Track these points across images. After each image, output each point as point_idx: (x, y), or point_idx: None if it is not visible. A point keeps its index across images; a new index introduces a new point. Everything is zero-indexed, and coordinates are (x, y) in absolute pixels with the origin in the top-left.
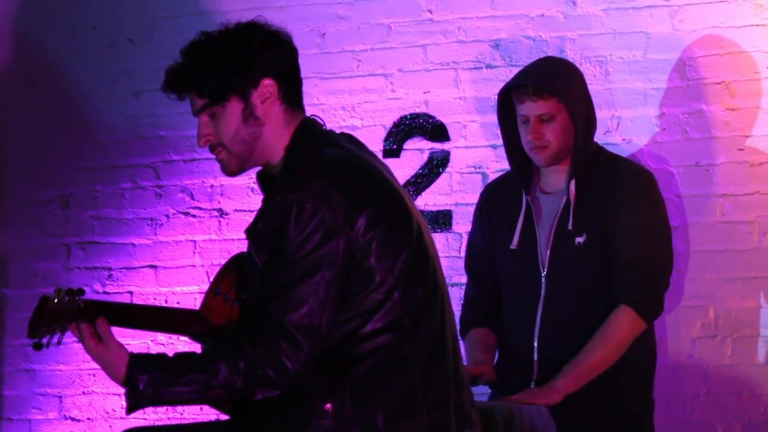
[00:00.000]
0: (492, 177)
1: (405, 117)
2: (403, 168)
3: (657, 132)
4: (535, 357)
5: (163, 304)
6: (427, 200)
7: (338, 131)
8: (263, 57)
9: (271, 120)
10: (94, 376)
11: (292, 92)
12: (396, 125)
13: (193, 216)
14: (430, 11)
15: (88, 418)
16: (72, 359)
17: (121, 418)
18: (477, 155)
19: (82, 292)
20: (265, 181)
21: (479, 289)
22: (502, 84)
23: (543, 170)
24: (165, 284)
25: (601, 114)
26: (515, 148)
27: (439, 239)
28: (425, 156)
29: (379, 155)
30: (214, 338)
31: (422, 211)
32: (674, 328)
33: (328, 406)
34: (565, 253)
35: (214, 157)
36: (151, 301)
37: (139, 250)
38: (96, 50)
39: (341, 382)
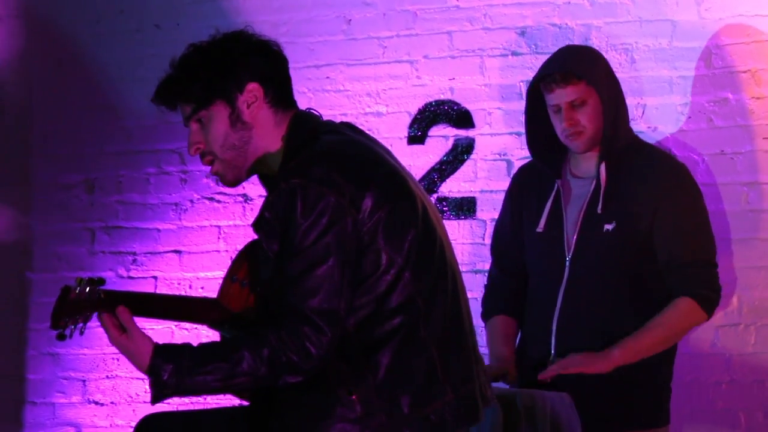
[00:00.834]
0: (516, 164)
1: (430, 104)
2: (427, 155)
3: (682, 120)
4: (553, 340)
5: (183, 293)
6: (452, 187)
7: (363, 118)
8: (247, 62)
9: (260, 123)
10: (117, 360)
11: (279, 95)
12: (421, 112)
13: (218, 201)
14: None
15: (112, 402)
16: (96, 343)
17: (145, 402)
18: (502, 142)
19: (102, 281)
20: (266, 181)
21: (502, 271)
22: (528, 71)
23: (574, 154)
24: (189, 269)
25: (626, 101)
26: (539, 139)
27: (463, 226)
28: (450, 143)
29: (404, 142)
30: (233, 326)
31: (446, 198)
32: None
33: (354, 396)
34: (592, 238)
35: None
36: (175, 286)
37: (164, 235)
38: (122, 35)
39: (363, 370)
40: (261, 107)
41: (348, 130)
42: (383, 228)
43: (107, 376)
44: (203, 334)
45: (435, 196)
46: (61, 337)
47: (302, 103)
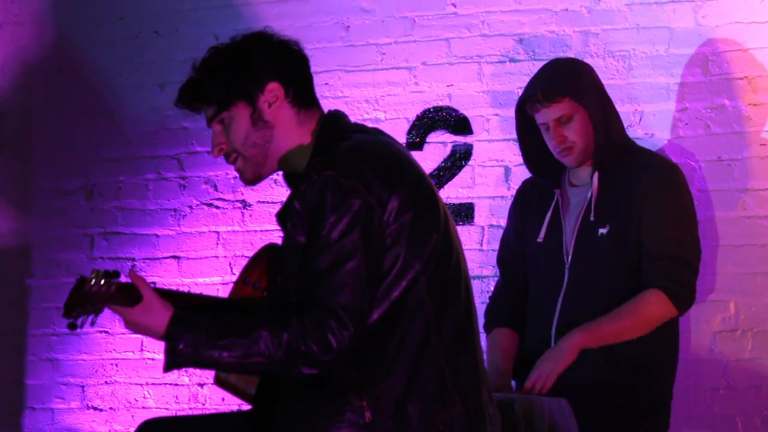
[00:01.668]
0: (515, 170)
1: (428, 110)
2: (425, 161)
3: (679, 127)
4: (553, 344)
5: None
6: (450, 193)
7: (361, 124)
8: (267, 62)
9: (282, 122)
10: (116, 366)
11: (301, 93)
12: (419, 118)
13: (217, 207)
14: (454, 5)
15: (111, 408)
16: (95, 349)
17: (144, 408)
18: (499, 149)
19: (117, 274)
20: (290, 179)
21: (507, 281)
22: (526, 78)
23: None
24: (188, 275)
25: (623, 108)
26: (534, 153)
27: (461, 232)
28: (448, 149)
29: None
30: None
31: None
32: (695, 322)
33: (364, 402)
34: (589, 244)
35: None
36: None
37: (163, 241)
38: (121, 42)
39: (374, 376)
40: (282, 106)
41: (378, 132)
42: (408, 231)
43: (106, 382)
44: None
45: None
46: (72, 327)
47: None
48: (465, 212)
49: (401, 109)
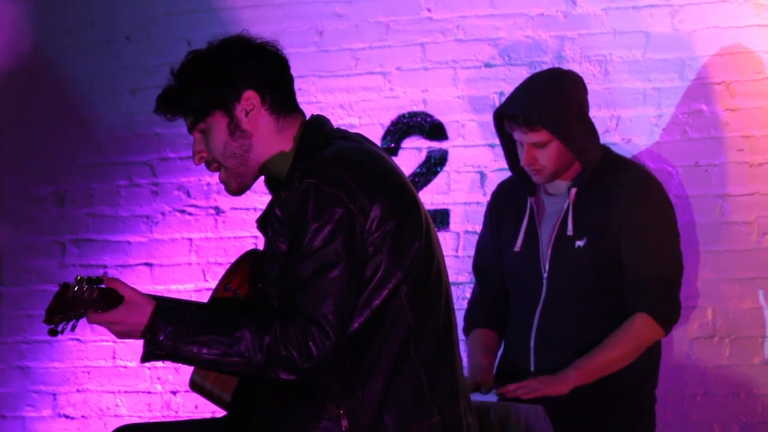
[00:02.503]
0: (490, 176)
1: (403, 116)
2: (401, 167)
3: (657, 132)
4: (531, 358)
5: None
6: (425, 199)
7: (344, 129)
8: (243, 69)
9: (260, 131)
10: (88, 373)
11: (280, 100)
12: (394, 124)
13: (189, 214)
14: (429, 10)
15: (83, 416)
16: (66, 357)
17: (116, 416)
18: (475, 154)
19: (101, 280)
20: (271, 184)
21: (484, 288)
22: (501, 83)
23: None
24: (161, 282)
25: (600, 113)
26: (515, 156)
27: None
28: (423, 155)
29: None
30: None
31: None
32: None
33: (341, 410)
34: (565, 256)
35: None
36: None
37: (135, 248)
38: (92, 47)
39: (352, 385)
40: (260, 114)
41: (361, 138)
42: (390, 240)
43: (78, 390)
44: None
45: None
46: (53, 333)
47: None
48: (440, 218)
49: (376, 115)
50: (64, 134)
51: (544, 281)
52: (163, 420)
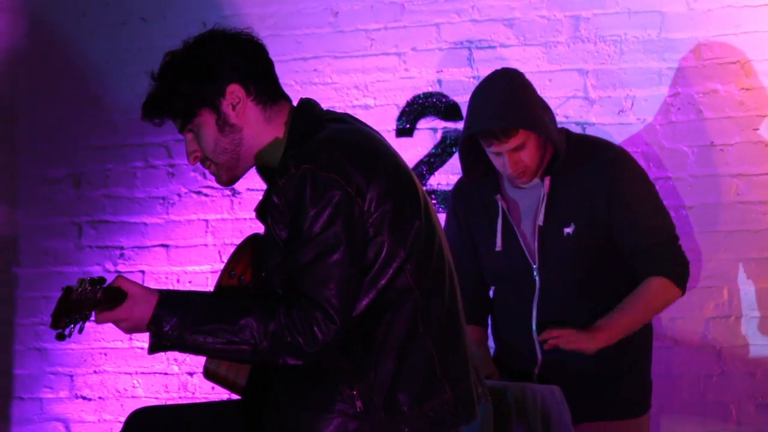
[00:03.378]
0: None
1: (418, 96)
2: (416, 147)
3: (672, 112)
4: (537, 348)
5: (171, 287)
6: (440, 180)
7: (351, 110)
8: (223, 65)
9: (249, 123)
10: (105, 355)
11: (264, 89)
12: (409, 104)
13: (205, 195)
14: None
15: (100, 397)
16: (83, 338)
17: (133, 397)
18: None
19: (103, 280)
20: (264, 172)
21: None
22: (516, 63)
23: None
24: (177, 263)
25: (615, 93)
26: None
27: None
28: (438, 135)
29: (392, 135)
30: None
31: (435, 191)
32: (688, 308)
33: (355, 391)
34: (555, 244)
35: None
36: (162, 281)
37: (151, 229)
38: (108, 28)
39: (364, 366)
40: (246, 106)
41: (352, 119)
42: (389, 220)
43: (95, 371)
44: None
45: (424, 188)
46: (61, 337)
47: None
48: None
49: (391, 96)
50: (80, 116)
51: (536, 273)
52: (179, 401)
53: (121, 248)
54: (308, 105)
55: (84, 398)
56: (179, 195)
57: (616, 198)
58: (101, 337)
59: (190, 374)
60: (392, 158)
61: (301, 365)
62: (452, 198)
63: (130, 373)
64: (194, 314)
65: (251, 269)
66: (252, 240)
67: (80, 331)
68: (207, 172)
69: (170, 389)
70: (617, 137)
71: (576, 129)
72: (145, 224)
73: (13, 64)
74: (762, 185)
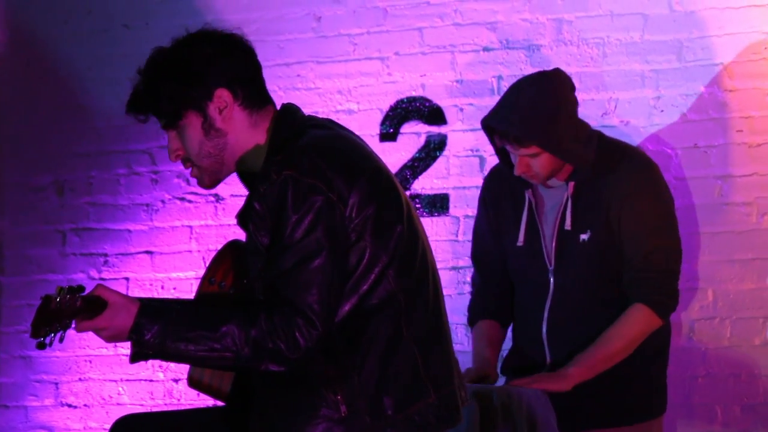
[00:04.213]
0: (489, 160)
1: (401, 101)
2: (399, 152)
3: (655, 114)
4: (546, 351)
5: (155, 295)
6: (425, 184)
7: (334, 115)
8: (212, 68)
9: (234, 128)
10: (90, 362)
11: (252, 93)
12: (392, 109)
13: (189, 201)
14: None
15: (85, 405)
16: (68, 346)
17: (119, 404)
18: (474, 138)
19: (82, 289)
20: (246, 177)
21: (484, 278)
22: (500, 66)
23: None
24: (161, 270)
25: (598, 96)
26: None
27: (436, 223)
28: (422, 140)
29: (376, 139)
30: None
31: (419, 195)
32: None
33: (339, 396)
34: (570, 249)
35: None
36: (147, 288)
37: (135, 236)
38: (90, 35)
39: (348, 370)
40: (233, 110)
41: (333, 125)
42: (371, 225)
43: (80, 379)
44: None
45: (408, 193)
46: (41, 346)
47: None
48: (440, 203)
49: (374, 100)
50: (63, 123)
51: (551, 274)
52: (165, 408)
53: (105, 255)
54: (289, 111)
55: (69, 406)
56: (163, 201)
57: (628, 209)
58: (86, 344)
59: (176, 381)
60: (374, 163)
61: (284, 371)
62: (483, 188)
63: (115, 381)
64: (175, 322)
65: (232, 275)
66: (231, 246)
67: (61, 340)
68: (191, 178)
69: (155, 396)
70: None
71: None
72: (129, 231)
73: None
74: (746, 186)
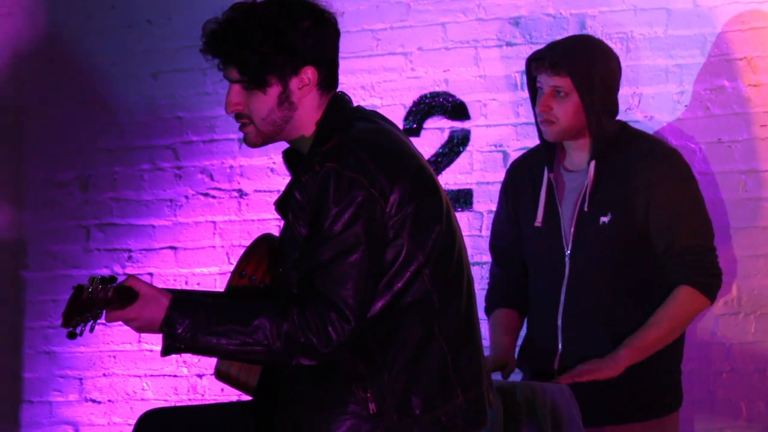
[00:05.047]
0: (513, 155)
1: (425, 96)
2: (423, 147)
3: (679, 109)
4: (559, 339)
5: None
6: (448, 179)
7: (362, 109)
8: (308, 43)
9: (305, 105)
10: (114, 357)
11: (329, 77)
12: (416, 104)
13: (213, 197)
14: None
15: (109, 400)
16: (92, 341)
17: (142, 399)
18: (497, 134)
19: (114, 279)
20: (290, 158)
21: (502, 268)
22: (523, 62)
23: (566, 147)
24: (185, 265)
25: (622, 91)
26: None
27: (460, 218)
28: (446, 135)
29: None
30: None
31: None
32: None
33: (368, 393)
34: (589, 232)
35: (233, 137)
36: (171, 283)
37: (159, 232)
38: (114, 31)
39: (378, 367)
40: (311, 90)
41: (379, 119)
42: (410, 223)
43: (104, 374)
44: None
45: None
46: (72, 336)
47: None
48: (464, 198)
49: (397, 96)
50: (86, 119)
51: (567, 258)
52: (189, 403)
53: (129, 251)
54: (341, 101)
55: (93, 401)
56: (186, 197)
57: (657, 196)
58: (110, 339)
59: (200, 376)
60: (417, 161)
61: (315, 366)
62: (506, 177)
63: (140, 376)
64: (207, 316)
65: (263, 268)
66: (264, 239)
67: (91, 329)
68: (214, 173)
69: (180, 391)
70: None
71: None
72: (153, 227)
73: (19, 68)
74: None
